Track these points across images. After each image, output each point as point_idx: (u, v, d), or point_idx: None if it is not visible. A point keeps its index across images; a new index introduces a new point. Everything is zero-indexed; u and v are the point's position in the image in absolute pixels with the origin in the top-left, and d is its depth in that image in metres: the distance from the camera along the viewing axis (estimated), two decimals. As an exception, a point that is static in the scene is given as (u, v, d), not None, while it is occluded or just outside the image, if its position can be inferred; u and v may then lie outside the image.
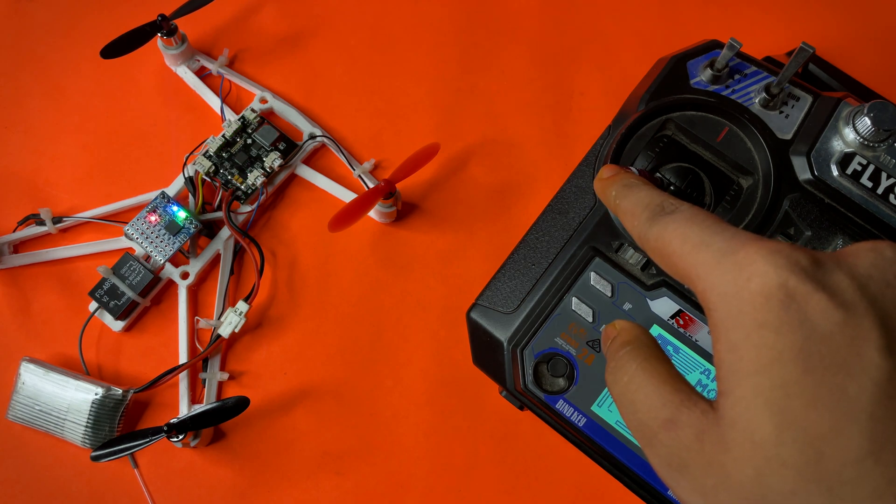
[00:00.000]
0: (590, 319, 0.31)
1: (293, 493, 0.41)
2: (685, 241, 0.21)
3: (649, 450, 0.20)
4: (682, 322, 0.30)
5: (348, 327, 0.43)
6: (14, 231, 0.44)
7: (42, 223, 0.44)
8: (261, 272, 0.42)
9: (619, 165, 0.30)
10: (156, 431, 0.37)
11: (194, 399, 0.42)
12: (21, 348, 0.43)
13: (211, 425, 0.37)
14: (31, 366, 0.40)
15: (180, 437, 0.37)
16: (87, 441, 0.39)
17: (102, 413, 0.39)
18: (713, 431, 0.18)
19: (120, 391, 0.40)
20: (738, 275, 0.19)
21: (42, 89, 0.48)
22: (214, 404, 0.37)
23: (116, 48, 0.43)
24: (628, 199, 0.25)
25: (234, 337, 0.43)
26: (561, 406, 0.31)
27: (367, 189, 0.42)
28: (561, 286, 0.32)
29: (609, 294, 0.31)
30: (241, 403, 0.36)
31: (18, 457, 0.41)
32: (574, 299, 0.31)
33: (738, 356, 0.18)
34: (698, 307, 0.30)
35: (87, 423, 0.39)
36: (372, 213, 0.44)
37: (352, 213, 0.39)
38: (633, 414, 0.21)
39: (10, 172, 0.46)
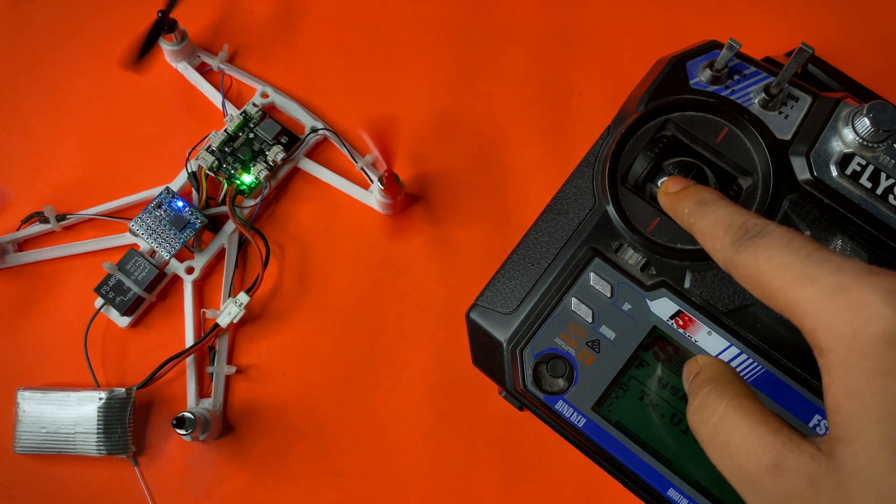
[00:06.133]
0: (589, 320, 0.31)
1: (293, 493, 0.41)
2: (784, 272, 0.20)
3: (753, 497, 0.19)
4: (681, 322, 0.30)
5: (348, 328, 0.43)
6: (18, 229, 0.44)
7: (46, 221, 0.44)
8: (265, 264, 0.42)
9: (685, 178, 0.27)
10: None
11: (202, 393, 0.42)
12: (23, 348, 0.43)
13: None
14: (27, 393, 0.40)
15: (187, 431, 0.38)
16: (101, 448, 0.39)
17: (111, 416, 0.40)
18: (829, 479, 0.17)
19: (123, 390, 0.40)
20: (853, 316, 0.18)
21: (41, 90, 0.48)
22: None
23: (144, 50, 0.43)
24: (706, 219, 0.24)
25: (240, 330, 0.43)
26: (560, 407, 0.31)
27: (369, 182, 0.43)
28: (560, 286, 0.32)
29: (608, 294, 0.31)
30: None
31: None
32: (573, 300, 0.31)
33: (860, 403, 0.17)
34: (698, 308, 0.30)
35: (98, 429, 0.39)
36: (376, 205, 0.44)
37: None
38: (727, 458, 0.20)
39: (10, 173, 0.46)
